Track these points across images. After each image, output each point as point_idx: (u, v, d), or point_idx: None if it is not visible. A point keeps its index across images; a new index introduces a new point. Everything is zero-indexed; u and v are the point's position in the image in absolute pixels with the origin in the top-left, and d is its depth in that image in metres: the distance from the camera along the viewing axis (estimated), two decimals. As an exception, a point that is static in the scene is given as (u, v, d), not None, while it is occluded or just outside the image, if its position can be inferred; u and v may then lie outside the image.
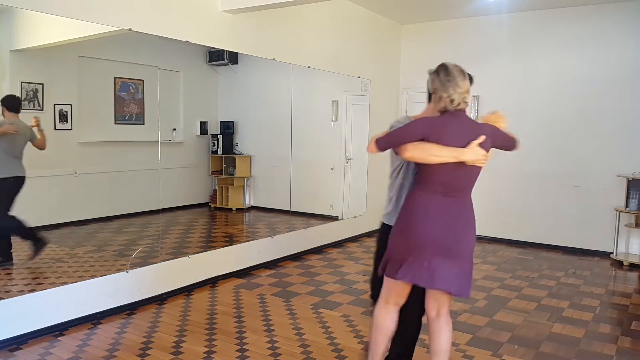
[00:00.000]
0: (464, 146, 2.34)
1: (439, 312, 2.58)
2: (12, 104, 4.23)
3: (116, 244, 5.35)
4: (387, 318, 2.62)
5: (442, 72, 2.40)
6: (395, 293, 2.59)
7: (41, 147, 4.27)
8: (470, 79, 2.48)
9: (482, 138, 2.35)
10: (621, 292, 4.87)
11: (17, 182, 4.14)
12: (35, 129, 4.26)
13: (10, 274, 4.18)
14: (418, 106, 7.54)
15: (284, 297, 4.44)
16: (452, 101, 2.35)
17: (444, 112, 2.41)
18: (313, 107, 6.94)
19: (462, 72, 2.40)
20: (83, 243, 5.12)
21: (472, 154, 2.34)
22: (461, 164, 2.35)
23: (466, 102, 2.38)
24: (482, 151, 2.34)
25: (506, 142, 2.56)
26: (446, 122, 2.38)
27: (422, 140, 2.35)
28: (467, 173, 2.41)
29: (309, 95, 6.75)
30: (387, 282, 2.58)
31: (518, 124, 6.72)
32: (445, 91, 2.36)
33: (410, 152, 2.36)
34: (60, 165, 4.91)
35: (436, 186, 2.41)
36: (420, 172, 2.46)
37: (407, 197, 2.54)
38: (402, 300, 2.61)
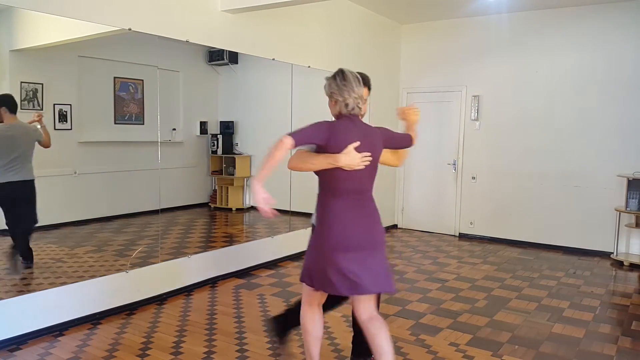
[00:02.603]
0: (360, 150, 2.40)
1: (370, 315, 2.56)
2: (14, 104, 4.14)
3: (116, 244, 5.35)
4: (313, 321, 2.68)
5: (339, 77, 2.47)
6: (317, 295, 2.65)
7: (47, 145, 4.17)
8: (366, 82, 2.69)
9: (356, 143, 2.38)
10: (621, 292, 4.87)
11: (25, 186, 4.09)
12: (38, 126, 4.19)
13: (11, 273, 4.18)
14: (418, 106, 7.54)
15: (284, 297, 4.43)
16: (346, 105, 2.43)
17: (339, 116, 2.48)
18: (313, 107, 6.92)
19: (357, 78, 2.47)
20: (83, 243, 5.11)
21: (346, 158, 2.37)
22: (365, 168, 2.43)
23: (359, 107, 2.47)
24: (357, 155, 2.38)
25: (400, 142, 2.71)
26: (344, 126, 2.44)
27: (326, 142, 2.39)
28: (361, 176, 2.45)
29: (309, 95, 6.74)
30: (307, 288, 2.62)
31: (518, 123, 6.72)
32: (340, 95, 2.43)
33: (291, 163, 2.48)
34: (60, 165, 4.90)
35: (338, 191, 2.46)
36: (321, 179, 2.50)
37: (318, 204, 2.57)
38: (324, 299, 2.70)
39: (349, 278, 2.41)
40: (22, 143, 4.11)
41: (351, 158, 2.37)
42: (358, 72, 2.64)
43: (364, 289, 2.44)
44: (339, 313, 4.04)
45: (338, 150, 2.38)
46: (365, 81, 2.73)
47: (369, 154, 2.42)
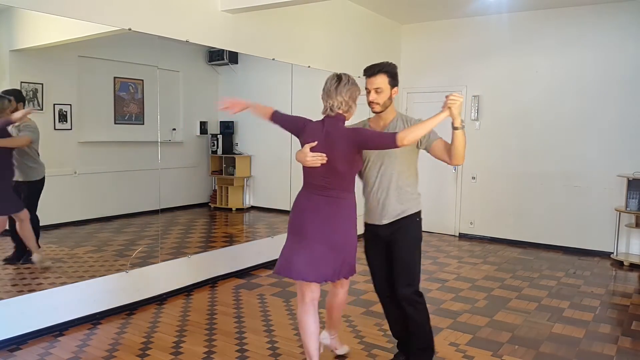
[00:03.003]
0: (317, 149, 2.61)
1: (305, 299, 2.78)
2: (24, 101, 4.24)
3: (116, 244, 5.35)
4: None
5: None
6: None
7: None
8: (381, 69, 2.72)
9: (313, 143, 2.61)
10: (621, 292, 4.87)
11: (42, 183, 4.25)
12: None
13: (10, 273, 4.18)
14: (418, 106, 7.54)
15: (284, 297, 4.43)
16: (323, 107, 2.70)
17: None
18: (313, 106, 6.91)
19: (337, 85, 2.63)
20: (83, 243, 5.11)
21: (298, 156, 2.66)
22: (323, 166, 2.61)
23: (332, 111, 2.65)
24: (307, 154, 2.60)
25: (373, 141, 2.60)
26: (314, 126, 2.71)
27: (297, 136, 2.77)
28: (321, 173, 2.63)
29: (308, 95, 6.73)
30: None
31: (518, 123, 6.72)
32: (322, 99, 2.72)
33: None
34: (60, 165, 4.91)
35: (308, 186, 2.72)
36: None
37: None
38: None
39: (286, 259, 2.67)
40: None
41: (302, 156, 2.63)
42: (385, 62, 2.79)
43: (296, 274, 2.63)
44: (339, 313, 4.04)
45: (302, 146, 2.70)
46: (379, 68, 2.73)
47: (320, 154, 2.59)
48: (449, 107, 2.49)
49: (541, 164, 6.58)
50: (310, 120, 2.76)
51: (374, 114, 2.86)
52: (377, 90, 2.72)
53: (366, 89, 2.75)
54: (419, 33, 7.46)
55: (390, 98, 2.78)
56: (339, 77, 2.65)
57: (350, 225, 2.69)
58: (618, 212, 5.96)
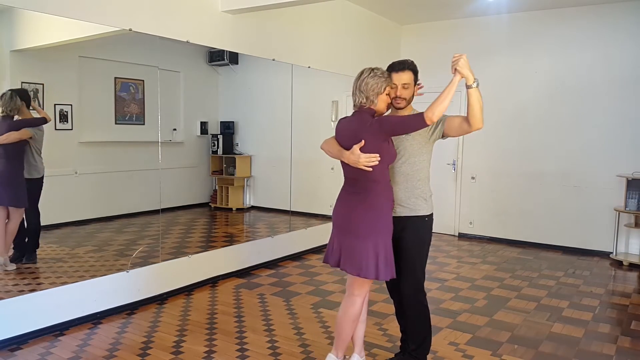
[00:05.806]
0: (346, 144, 2.61)
1: (347, 293, 2.83)
2: (29, 100, 4.31)
3: (116, 243, 5.36)
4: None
5: None
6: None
7: None
8: (407, 66, 2.73)
9: (361, 143, 2.53)
10: (621, 292, 4.88)
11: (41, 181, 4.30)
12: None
13: (11, 273, 4.19)
14: (417, 106, 7.54)
15: (284, 297, 4.44)
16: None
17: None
18: (313, 107, 6.94)
19: (356, 80, 2.64)
20: (83, 243, 5.13)
21: (351, 157, 2.57)
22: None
23: (355, 105, 2.67)
24: (362, 156, 2.52)
25: (404, 127, 2.54)
26: (343, 122, 2.74)
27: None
28: (362, 171, 2.58)
29: (309, 95, 6.75)
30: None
31: (518, 123, 6.73)
32: None
33: (322, 144, 2.81)
34: (61, 165, 4.92)
35: (346, 180, 2.74)
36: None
37: None
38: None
39: (332, 249, 2.75)
40: None
41: (354, 158, 2.55)
42: (409, 59, 2.79)
43: (335, 262, 2.73)
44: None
45: (339, 143, 2.68)
46: (406, 65, 2.75)
47: (374, 155, 2.51)
48: (456, 69, 2.53)
49: (540, 164, 6.59)
50: (342, 119, 2.76)
51: (395, 110, 2.83)
52: (404, 86, 2.74)
53: (392, 84, 2.70)
54: (418, 34, 7.47)
55: (413, 95, 2.80)
56: (360, 72, 2.64)
57: (373, 216, 2.61)
58: (617, 212, 5.97)
